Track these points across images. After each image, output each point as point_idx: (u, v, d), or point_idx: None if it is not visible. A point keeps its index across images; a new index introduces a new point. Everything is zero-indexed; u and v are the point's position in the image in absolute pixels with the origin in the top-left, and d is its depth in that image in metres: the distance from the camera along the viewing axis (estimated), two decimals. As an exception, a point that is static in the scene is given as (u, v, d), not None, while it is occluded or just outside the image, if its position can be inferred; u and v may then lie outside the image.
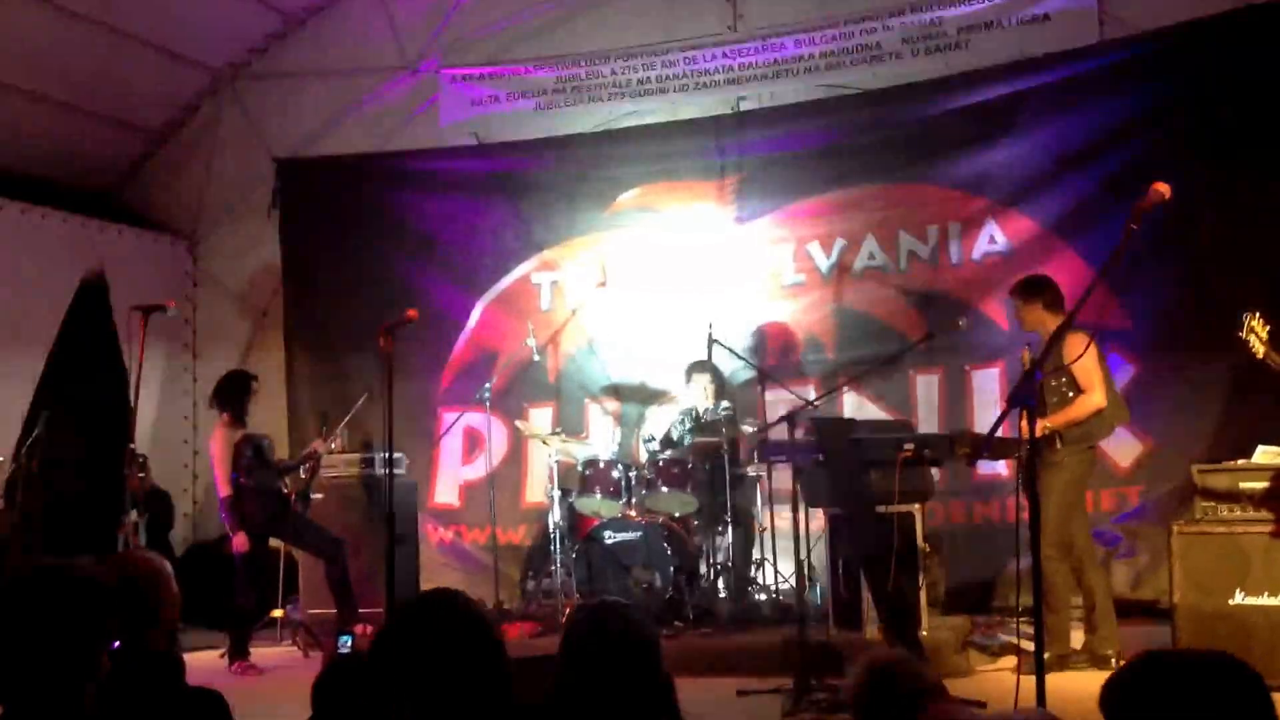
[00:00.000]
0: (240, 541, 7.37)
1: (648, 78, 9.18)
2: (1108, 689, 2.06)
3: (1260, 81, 7.21)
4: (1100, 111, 7.78)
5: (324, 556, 7.72)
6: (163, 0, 8.97)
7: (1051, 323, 6.28)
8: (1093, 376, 5.98)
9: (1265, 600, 5.48)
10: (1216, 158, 7.30)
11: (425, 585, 8.42)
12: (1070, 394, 6.00)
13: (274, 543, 7.91)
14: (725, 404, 7.96)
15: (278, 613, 8.07)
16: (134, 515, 7.52)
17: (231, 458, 7.46)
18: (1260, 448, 5.91)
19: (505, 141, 9.48)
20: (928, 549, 6.48)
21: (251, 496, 7.45)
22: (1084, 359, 5.55)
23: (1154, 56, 7.63)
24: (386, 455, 6.76)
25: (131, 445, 7.24)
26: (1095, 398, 6.01)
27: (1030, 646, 3.95)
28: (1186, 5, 7.55)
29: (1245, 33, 7.28)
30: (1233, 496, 5.73)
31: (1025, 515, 6.16)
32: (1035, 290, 6.34)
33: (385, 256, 9.50)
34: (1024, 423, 4.44)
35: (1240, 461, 5.88)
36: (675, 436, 7.98)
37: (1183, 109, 7.50)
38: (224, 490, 7.47)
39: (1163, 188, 4.24)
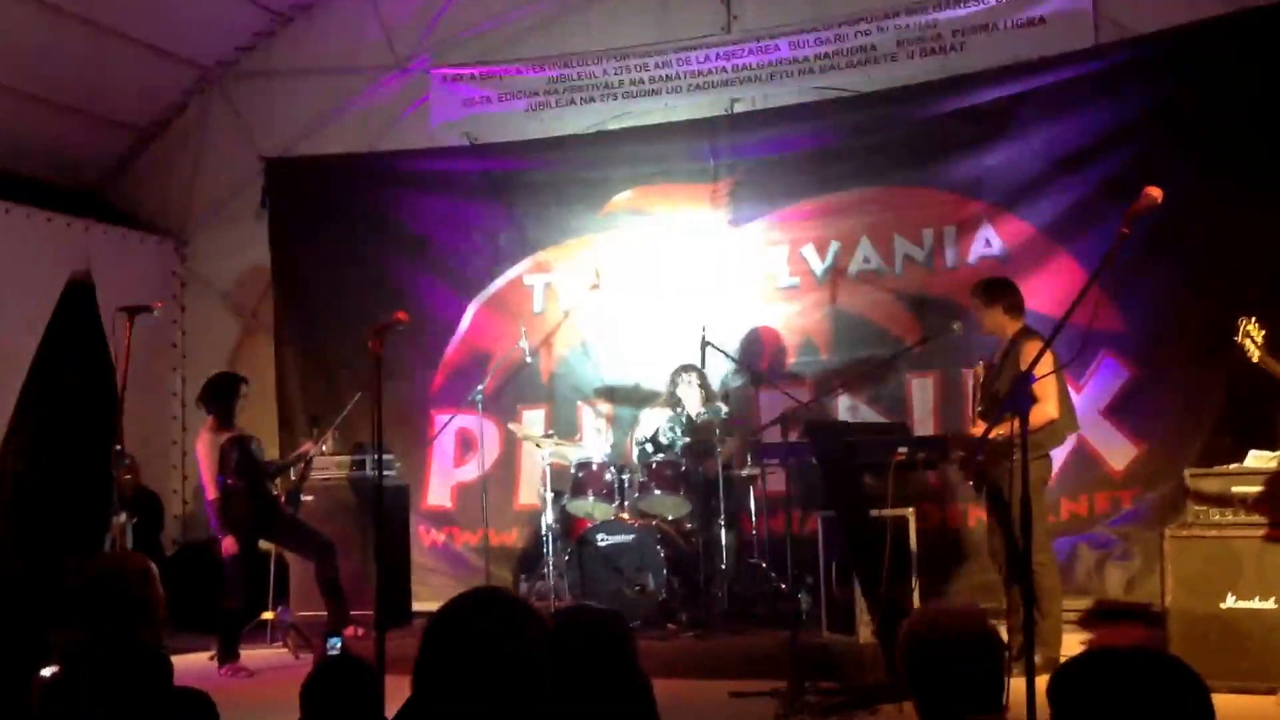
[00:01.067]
0: (229, 544, 7.43)
1: (641, 79, 9.25)
2: (1054, 682, 2.19)
3: (1255, 85, 7.31)
4: (1095, 115, 7.87)
5: (314, 558, 7.79)
6: (150, -1, 9.05)
7: (1010, 327, 6.39)
8: (1048, 388, 6.04)
9: (1256, 604, 5.58)
10: (1211, 161, 7.40)
11: (416, 588, 8.53)
12: None
13: (265, 545, 7.97)
14: (722, 406, 8.04)
15: (268, 615, 8.13)
16: (122, 517, 7.57)
17: (218, 460, 7.52)
18: (1252, 452, 6.00)
19: (498, 142, 9.56)
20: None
21: (240, 498, 7.51)
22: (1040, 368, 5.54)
23: (1149, 60, 7.72)
24: (377, 457, 6.84)
25: (119, 446, 7.29)
26: (1048, 408, 6.07)
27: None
28: (1181, 9, 7.63)
29: (1239, 37, 7.37)
30: (1225, 500, 5.82)
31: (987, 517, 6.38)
32: (996, 293, 6.44)
33: (376, 257, 9.58)
34: (1017, 425, 4.58)
35: (1232, 466, 5.97)
36: (666, 441, 8.07)
37: (1177, 112, 7.59)
38: (211, 492, 7.54)
39: (1155, 192, 4.34)
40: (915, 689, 2.69)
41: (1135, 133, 7.71)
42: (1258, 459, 5.94)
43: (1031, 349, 5.64)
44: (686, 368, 8.13)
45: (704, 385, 8.13)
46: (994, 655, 2.68)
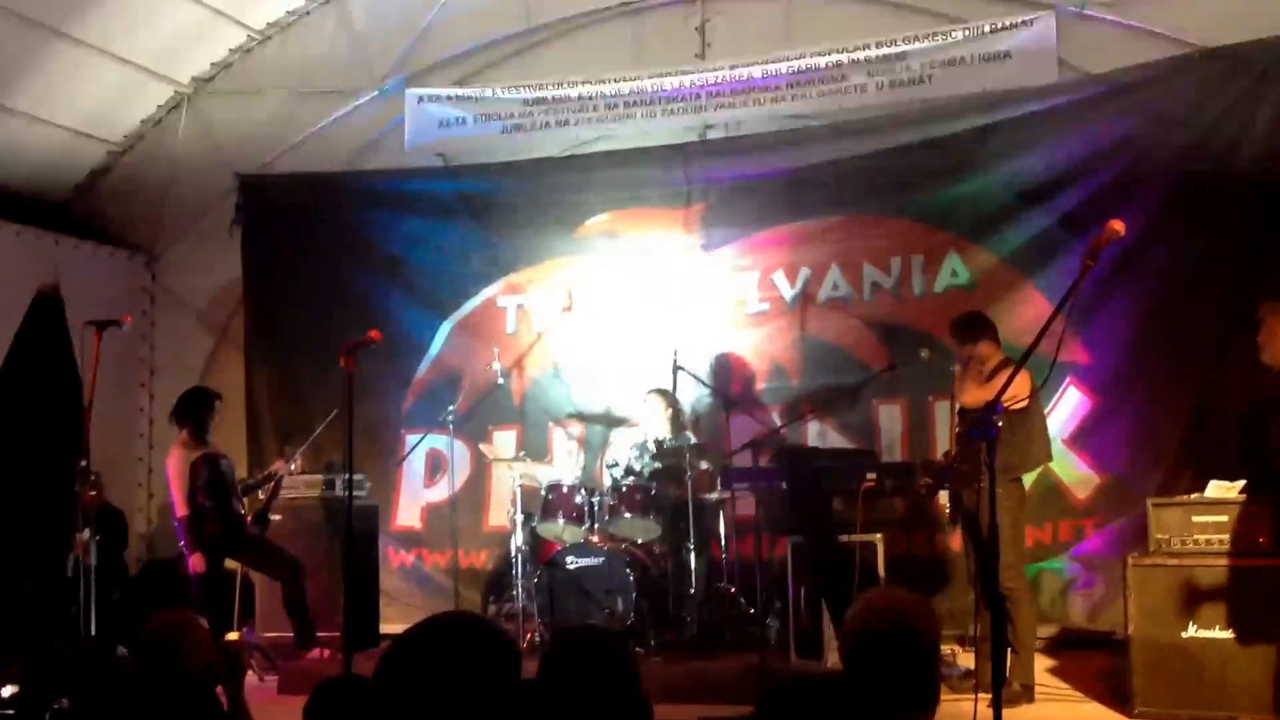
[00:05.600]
0: (197, 562, 7.38)
1: (616, 103, 9.29)
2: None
3: (1213, 122, 7.49)
4: (1060, 148, 8.00)
5: (281, 578, 7.75)
6: (127, 12, 8.99)
7: (991, 359, 6.48)
8: (998, 382, 6.09)
9: (1217, 633, 5.67)
10: (1172, 196, 7.54)
11: (384, 609, 8.50)
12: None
13: (230, 564, 7.92)
14: (690, 436, 8.08)
15: (233, 635, 8.06)
16: (86, 534, 7.52)
17: (189, 477, 7.48)
18: (1213, 483, 6.10)
19: (473, 164, 9.58)
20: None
21: (209, 517, 7.47)
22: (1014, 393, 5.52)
23: (1112, 95, 7.86)
24: (347, 477, 6.83)
25: (84, 462, 7.23)
26: (985, 395, 6.06)
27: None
28: (1142, 48, 7.85)
29: (1200, 75, 7.56)
30: (1186, 530, 5.92)
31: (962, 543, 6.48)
32: (967, 331, 6.51)
33: (349, 276, 9.56)
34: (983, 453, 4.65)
35: (1194, 496, 6.07)
36: (638, 468, 8.10)
37: (1138, 147, 7.73)
38: (181, 510, 7.47)
39: (1118, 225, 4.42)
40: (852, 677, 2.72)
41: (1098, 166, 7.84)
42: (1218, 489, 6.03)
43: (1017, 381, 5.70)
44: (653, 391, 8.19)
45: (672, 410, 8.17)
46: (925, 651, 2.72)
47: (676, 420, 8.18)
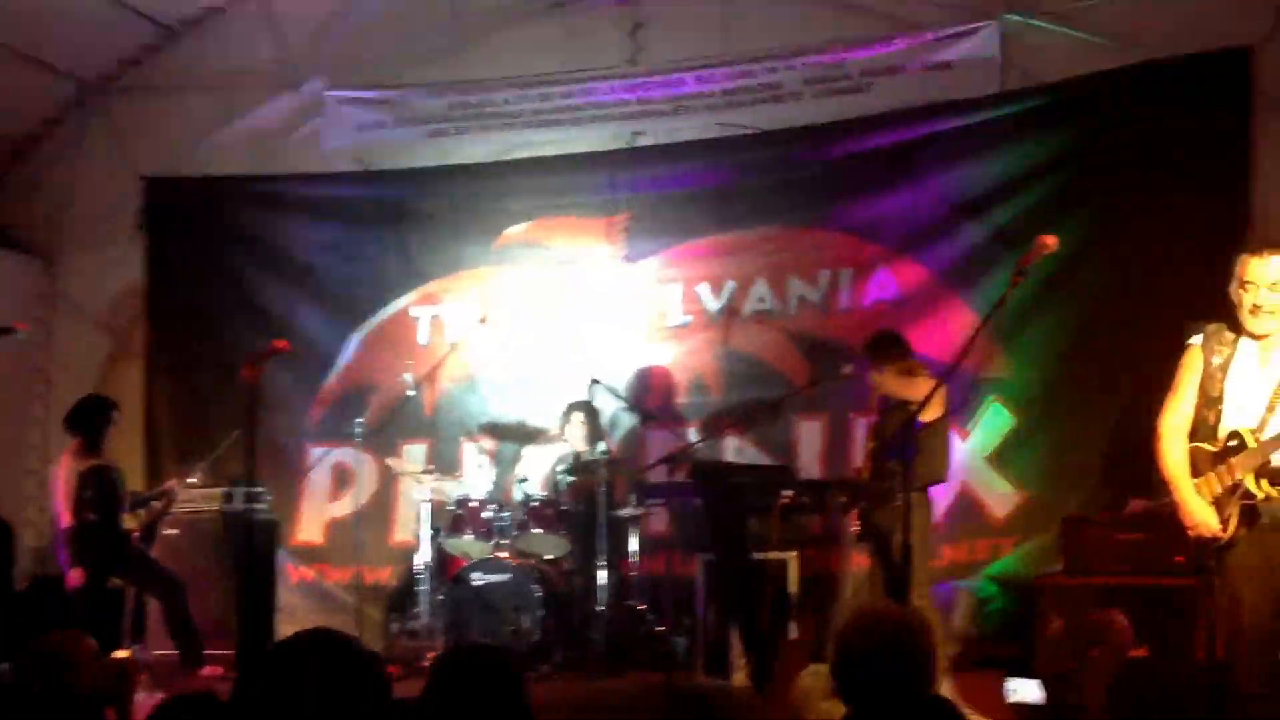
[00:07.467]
0: (76, 576, 7.34)
1: (542, 109, 9.29)
2: None
3: (1154, 136, 7.55)
4: (997, 161, 8.09)
5: (159, 596, 7.73)
6: (28, 5, 8.89)
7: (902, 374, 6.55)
8: (918, 376, 6.20)
9: (1133, 654, 5.71)
10: (1107, 211, 7.63)
11: (281, 625, 8.42)
12: None
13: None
14: (602, 446, 8.08)
15: (122, 653, 7.93)
16: (-31, 547, 7.43)
17: (76, 488, 7.37)
18: (1133, 502, 6.16)
19: (391, 169, 9.63)
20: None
21: (91, 531, 7.40)
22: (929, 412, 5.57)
23: (1052, 108, 7.94)
24: (246, 491, 6.79)
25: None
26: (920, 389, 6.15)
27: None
28: (1087, 60, 7.86)
29: (1140, 88, 7.62)
30: (1103, 549, 5.97)
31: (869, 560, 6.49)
32: (882, 354, 6.54)
33: (258, 283, 9.58)
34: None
35: (1111, 514, 6.14)
36: (558, 482, 8.13)
37: (1077, 161, 7.83)
38: (64, 521, 7.44)
39: (1049, 240, 4.52)
40: (845, 692, 2.86)
41: (1034, 180, 7.92)
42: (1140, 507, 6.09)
43: (925, 383, 5.74)
44: (575, 405, 8.23)
45: (592, 424, 8.20)
46: (923, 659, 2.86)
47: (595, 435, 8.21)
